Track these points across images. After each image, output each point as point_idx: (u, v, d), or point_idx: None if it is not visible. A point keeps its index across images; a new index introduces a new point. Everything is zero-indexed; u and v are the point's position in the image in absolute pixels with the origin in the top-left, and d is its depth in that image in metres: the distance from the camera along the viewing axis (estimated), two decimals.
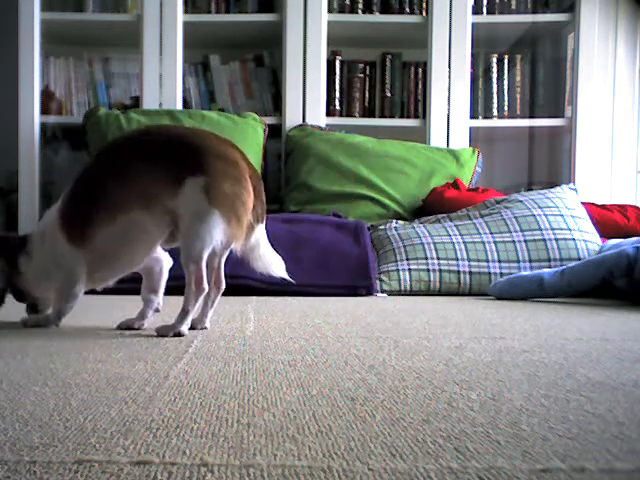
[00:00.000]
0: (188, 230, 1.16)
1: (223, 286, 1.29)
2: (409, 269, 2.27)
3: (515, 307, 1.82)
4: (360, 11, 3.10)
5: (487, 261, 2.28)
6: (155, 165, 1.17)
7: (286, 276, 1.28)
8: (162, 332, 1.20)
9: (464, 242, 2.32)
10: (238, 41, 3.16)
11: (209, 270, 1.24)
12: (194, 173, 1.14)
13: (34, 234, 1.30)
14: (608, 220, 2.54)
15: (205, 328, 1.29)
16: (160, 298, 1.33)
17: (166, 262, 1.32)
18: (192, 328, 1.28)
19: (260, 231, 1.23)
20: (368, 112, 3.18)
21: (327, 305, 1.83)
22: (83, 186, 1.24)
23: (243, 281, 2.03)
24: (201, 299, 1.22)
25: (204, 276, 1.18)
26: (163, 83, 2.99)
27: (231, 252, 1.25)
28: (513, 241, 2.32)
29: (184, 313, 1.20)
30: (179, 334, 1.19)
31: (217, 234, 1.15)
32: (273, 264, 1.26)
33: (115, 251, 1.24)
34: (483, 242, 2.32)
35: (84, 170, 1.27)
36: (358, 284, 2.20)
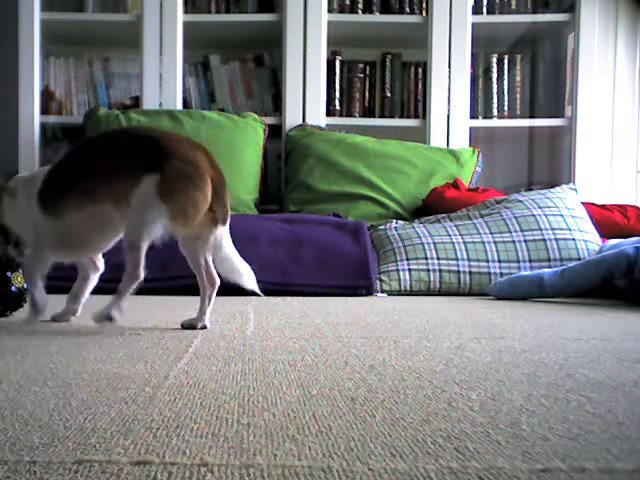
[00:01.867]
0: (133, 218, 1.22)
1: (217, 282, 1.31)
2: (409, 269, 2.27)
3: (515, 307, 1.82)
4: (360, 11, 3.10)
5: (487, 261, 2.28)
6: (121, 162, 1.24)
7: (255, 288, 1.31)
8: (97, 319, 1.22)
9: (464, 242, 2.32)
10: (238, 41, 3.16)
11: (198, 270, 1.29)
12: (152, 171, 1.20)
13: (18, 182, 1.35)
14: (608, 220, 2.54)
15: (205, 327, 1.30)
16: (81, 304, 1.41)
17: (99, 271, 1.41)
18: (192, 328, 1.28)
19: (220, 233, 1.25)
20: (368, 112, 3.18)
21: (327, 305, 1.82)
22: (63, 169, 1.31)
23: None
24: (134, 286, 1.22)
25: (141, 264, 1.21)
26: (163, 83, 2.99)
27: None
28: (513, 241, 2.32)
29: (118, 296, 1.22)
30: (109, 318, 1.20)
31: (158, 226, 1.20)
32: (239, 273, 1.28)
33: (81, 233, 1.30)
34: (483, 242, 2.32)
35: (67, 155, 1.34)
36: (358, 284, 2.20)
